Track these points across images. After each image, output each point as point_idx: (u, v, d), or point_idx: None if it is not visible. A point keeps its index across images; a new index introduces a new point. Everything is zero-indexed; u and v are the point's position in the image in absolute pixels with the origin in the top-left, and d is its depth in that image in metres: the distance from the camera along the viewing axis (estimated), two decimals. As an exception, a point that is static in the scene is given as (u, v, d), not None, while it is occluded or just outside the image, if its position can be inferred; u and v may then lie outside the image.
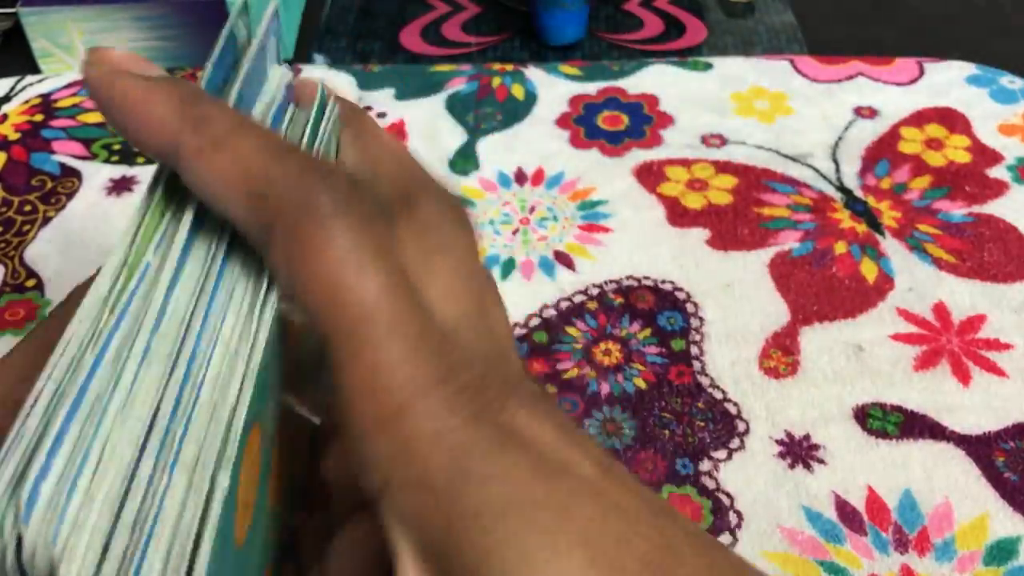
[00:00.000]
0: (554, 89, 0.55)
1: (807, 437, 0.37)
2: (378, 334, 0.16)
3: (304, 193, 0.17)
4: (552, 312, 0.42)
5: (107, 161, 0.51)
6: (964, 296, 0.42)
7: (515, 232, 0.46)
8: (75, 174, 0.50)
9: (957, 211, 0.47)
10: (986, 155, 0.50)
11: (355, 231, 0.17)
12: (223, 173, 0.17)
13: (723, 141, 0.51)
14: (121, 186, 0.49)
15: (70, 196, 0.49)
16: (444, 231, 0.20)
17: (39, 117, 0.54)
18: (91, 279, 0.17)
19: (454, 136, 0.52)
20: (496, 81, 0.56)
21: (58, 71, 0.58)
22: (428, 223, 0.20)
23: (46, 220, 0.47)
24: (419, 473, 0.16)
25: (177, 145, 0.17)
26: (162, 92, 0.18)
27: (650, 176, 0.49)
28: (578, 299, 0.42)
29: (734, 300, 0.42)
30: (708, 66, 0.57)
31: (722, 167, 0.49)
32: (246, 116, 0.19)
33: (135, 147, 0.19)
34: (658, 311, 0.42)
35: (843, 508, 0.34)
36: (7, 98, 0.56)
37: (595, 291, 0.43)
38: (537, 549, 0.15)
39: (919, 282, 0.43)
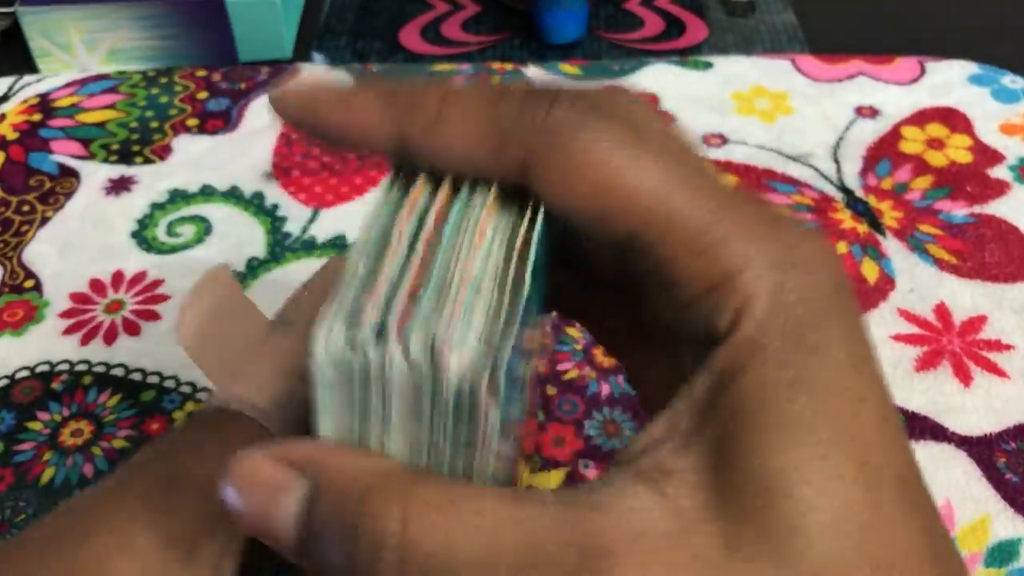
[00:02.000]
0: (554, 88, 0.55)
1: (808, 438, 0.36)
2: (681, 206, 0.17)
3: (539, 119, 0.17)
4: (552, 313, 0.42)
5: (105, 161, 0.51)
6: (965, 297, 0.42)
7: (515, 232, 0.46)
8: (73, 174, 0.50)
9: (958, 211, 0.47)
10: (987, 155, 0.50)
11: (601, 130, 0.17)
12: (458, 137, 0.18)
13: (724, 140, 0.51)
14: (120, 186, 0.49)
15: (68, 196, 0.49)
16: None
17: (37, 117, 0.54)
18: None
19: (454, 136, 0.52)
20: (496, 80, 0.56)
21: (56, 71, 0.58)
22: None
23: (44, 220, 0.47)
24: (758, 329, 0.16)
25: (402, 134, 0.18)
26: (364, 94, 0.19)
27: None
28: (578, 299, 0.42)
29: (734, 300, 0.42)
30: (709, 65, 0.57)
31: (723, 167, 0.49)
32: (448, 85, 0.19)
33: (360, 151, 0.19)
34: (658, 312, 0.42)
35: (844, 510, 0.34)
36: (5, 98, 0.55)
37: (595, 291, 0.43)
38: (813, 444, 0.16)
39: (920, 283, 0.43)
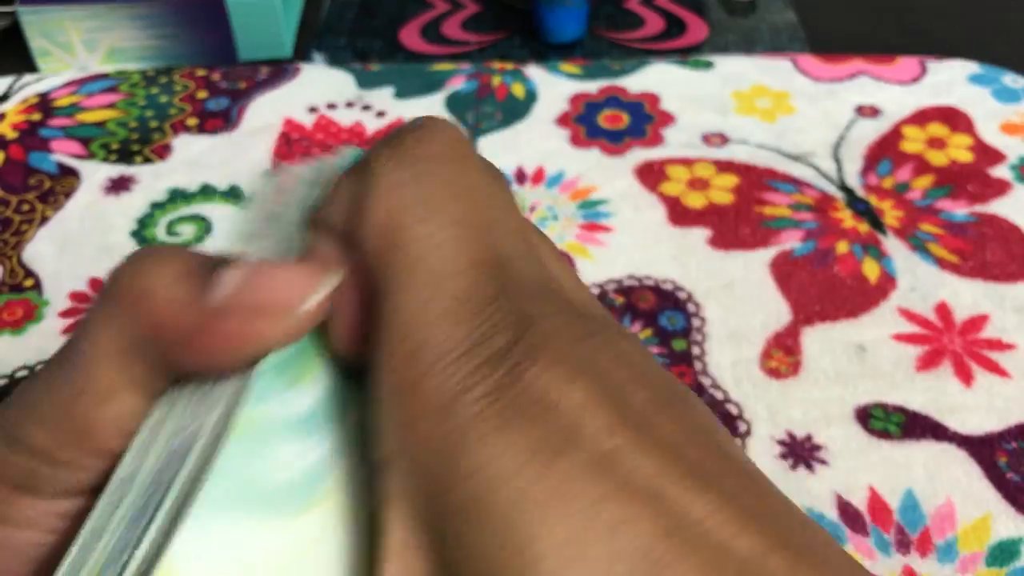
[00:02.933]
0: (554, 88, 0.55)
1: (809, 437, 0.36)
2: (425, 283, 0.16)
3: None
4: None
5: (105, 160, 0.51)
6: (966, 296, 0.42)
7: (515, 231, 0.46)
8: (73, 173, 0.50)
9: (959, 211, 0.47)
10: (988, 154, 0.50)
11: (415, 182, 0.17)
12: None
13: (724, 140, 0.51)
14: (119, 185, 0.49)
15: (68, 195, 0.48)
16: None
17: (37, 116, 0.54)
18: None
19: (454, 135, 0.52)
20: (496, 80, 0.56)
21: (56, 70, 0.58)
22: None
23: (44, 219, 0.47)
24: (422, 455, 0.15)
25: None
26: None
27: (651, 175, 0.49)
28: (578, 299, 0.42)
29: (735, 300, 0.42)
30: (709, 65, 0.57)
31: (724, 166, 0.49)
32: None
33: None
34: (659, 311, 0.42)
35: (845, 509, 0.34)
36: (5, 97, 0.55)
37: (596, 291, 0.43)
38: (528, 541, 0.14)
39: (921, 282, 0.43)
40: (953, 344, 0.40)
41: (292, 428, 0.17)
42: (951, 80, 0.55)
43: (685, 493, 0.14)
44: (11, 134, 0.52)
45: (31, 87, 0.56)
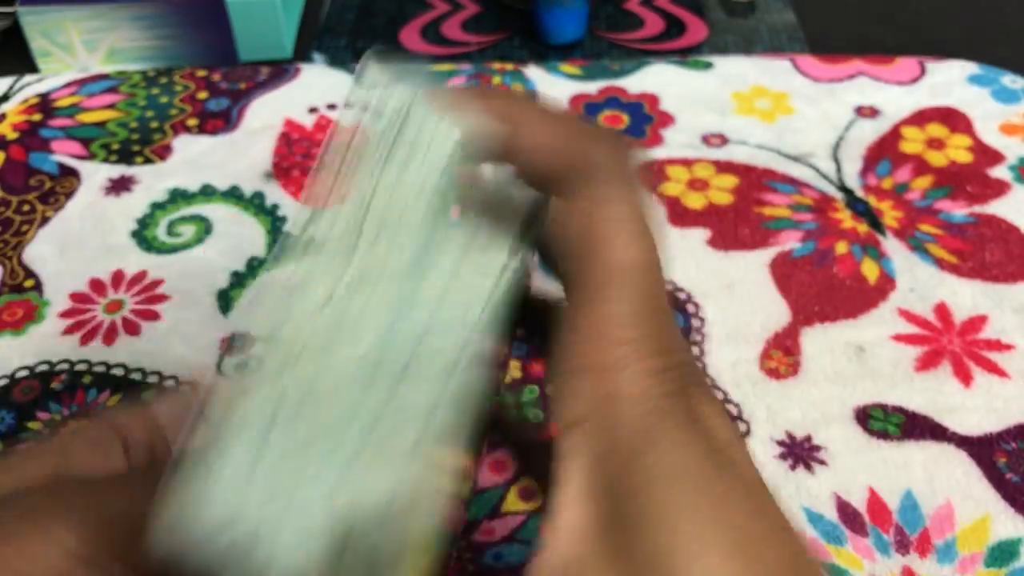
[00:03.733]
0: (554, 89, 0.55)
1: (808, 438, 0.36)
2: (627, 294, 0.19)
3: (592, 157, 0.20)
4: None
5: (105, 161, 0.51)
6: (966, 296, 0.42)
7: (515, 232, 0.46)
8: (74, 174, 0.50)
9: (958, 211, 0.47)
10: (988, 155, 0.50)
11: (625, 198, 0.20)
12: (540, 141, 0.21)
13: (724, 141, 0.51)
14: (120, 186, 0.49)
15: (69, 196, 0.49)
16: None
17: (37, 117, 0.54)
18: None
19: (454, 136, 0.52)
20: (496, 80, 0.56)
21: (56, 70, 0.58)
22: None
23: (45, 220, 0.47)
24: (612, 424, 0.18)
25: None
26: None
27: (650, 176, 0.49)
28: (578, 299, 0.42)
29: (735, 300, 0.42)
30: (709, 65, 0.57)
31: (723, 167, 0.49)
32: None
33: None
34: (658, 311, 0.42)
35: (844, 509, 0.34)
36: (5, 97, 0.55)
37: (595, 291, 0.43)
38: (690, 524, 0.17)
39: (920, 282, 0.43)
40: (952, 345, 0.40)
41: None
42: (950, 81, 0.55)
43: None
44: (12, 134, 0.52)
45: (32, 87, 0.56)
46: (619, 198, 0.20)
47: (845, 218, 0.46)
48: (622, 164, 0.21)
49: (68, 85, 0.56)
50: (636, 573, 0.17)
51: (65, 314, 0.42)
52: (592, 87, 0.55)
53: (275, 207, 0.47)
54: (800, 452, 0.36)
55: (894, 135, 0.51)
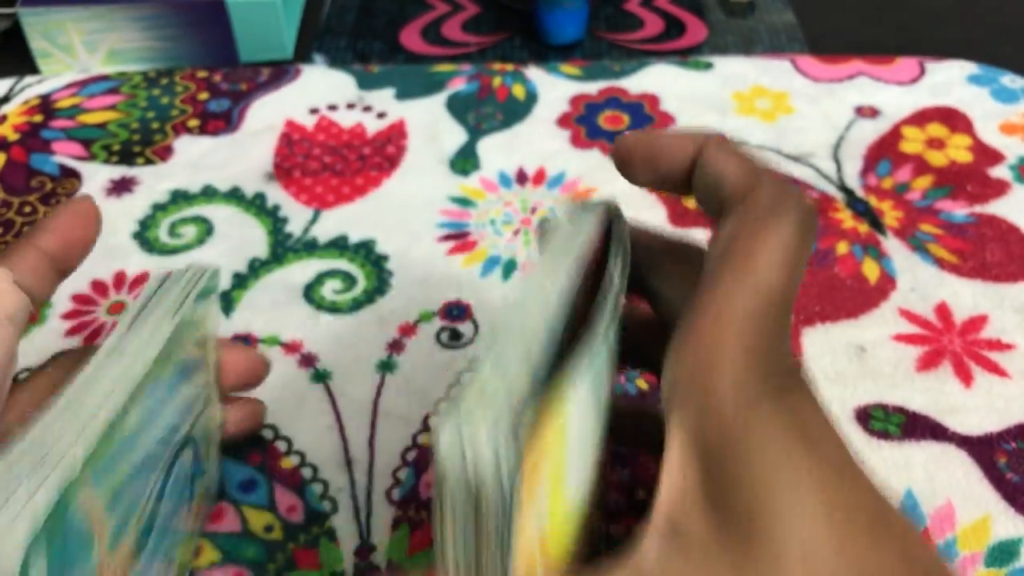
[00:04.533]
0: (555, 89, 0.55)
1: (809, 438, 0.36)
2: (757, 301, 0.22)
3: (771, 189, 0.23)
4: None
5: (107, 162, 0.51)
6: (966, 296, 0.42)
7: (516, 232, 0.46)
8: (75, 175, 0.50)
9: (959, 211, 0.47)
10: (988, 155, 0.50)
11: (790, 233, 0.22)
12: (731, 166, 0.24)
13: (724, 141, 0.51)
14: (121, 187, 0.49)
15: (70, 197, 0.49)
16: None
17: (38, 118, 0.54)
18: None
19: (455, 136, 0.52)
20: (496, 81, 0.56)
21: (57, 71, 0.58)
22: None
23: (46, 221, 0.47)
24: (715, 406, 0.21)
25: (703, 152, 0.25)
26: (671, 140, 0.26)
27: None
28: (579, 300, 0.42)
29: (736, 301, 0.42)
30: (709, 65, 0.57)
31: (723, 167, 0.49)
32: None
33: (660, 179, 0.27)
34: (659, 312, 0.42)
35: (845, 509, 0.34)
36: (6, 99, 0.56)
37: (596, 292, 0.43)
38: (786, 487, 0.20)
39: (921, 282, 0.43)
40: (953, 344, 0.40)
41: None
42: (950, 80, 0.55)
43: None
44: (12, 136, 0.53)
45: (32, 89, 0.56)
46: (784, 231, 0.22)
47: (846, 218, 0.46)
48: (798, 204, 0.23)
49: (69, 86, 0.56)
50: (733, 526, 0.20)
51: (67, 315, 0.42)
52: (592, 87, 0.55)
53: (276, 208, 0.47)
54: (801, 452, 0.36)
55: (894, 135, 0.51)
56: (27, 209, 0.48)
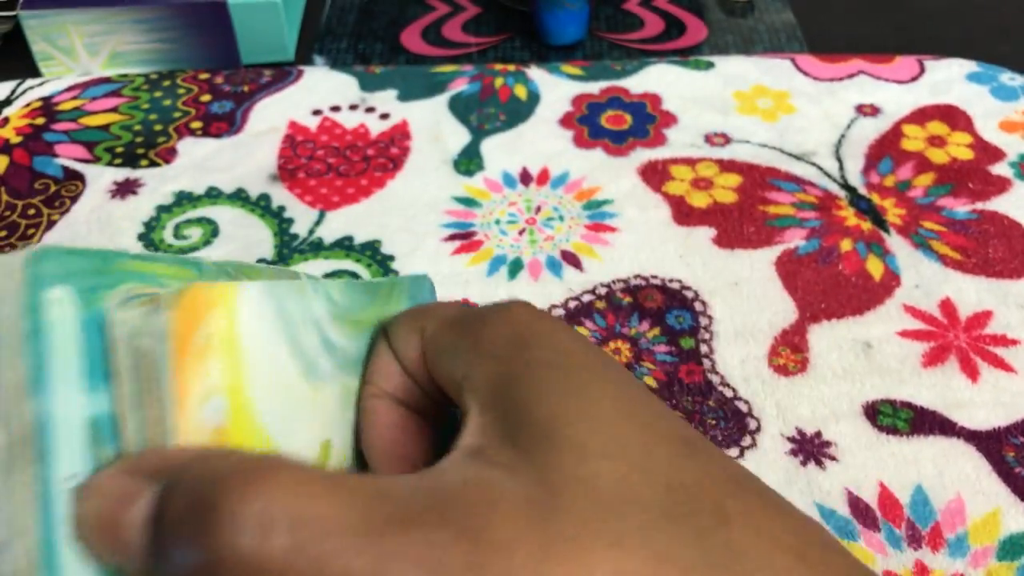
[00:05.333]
0: (557, 89, 0.55)
1: (818, 434, 0.37)
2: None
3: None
4: (561, 312, 0.42)
5: (110, 164, 0.51)
6: (971, 292, 0.43)
7: (521, 232, 0.46)
8: (79, 177, 0.50)
9: (961, 208, 0.47)
10: (988, 152, 0.50)
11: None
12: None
13: (727, 140, 0.51)
14: (125, 189, 0.49)
15: (74, 199, 0.49)
16: None
17: (40, 120, 0.54)
18: None
19: (458, 137, 0.52)
20: (499, 82, 0.56)
21: (58, 74, 0.58)
22: None
23: (51, 224, 0.47)
24: (481, 357, 0.21)
25: None
26: None
27: (655, 175, 0.49)
28: (586, 299, 0.42)
29: (742, 298, 0.42)
30: (710, 65, 0.57)
31: (726, 166, 0.50)
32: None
33: None
34: (667, 310, 0.42)
35: (856, 505, 0.34)
36: (8, 102, 0.55)
37: (603, 290, 0.43)
38: (573, 394, 0.20)
39: (925, 279, 0.43)
40: (958, 340, 0.40)
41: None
42: (949, 79, 0.56)
43: None
44: (15, 138, 0.52)
45: (34, 91, 0.56)
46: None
47: (849, 216, 0.47)
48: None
49: (70, 89, 0.56)
50: (529, 444, 0.18)
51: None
52: (594, 87, 0.55)
53: (281, 209, 0.47)
54: (810, 448, 0.36)
55: (895, 133, 0.52)
56: (31, 212, 0.48)
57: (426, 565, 0.16)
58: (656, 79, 0.56)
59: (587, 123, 0.53)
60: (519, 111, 0.54)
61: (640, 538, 0.17)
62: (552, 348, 0.21)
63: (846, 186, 0.48)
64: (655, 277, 0.43)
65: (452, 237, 0.46)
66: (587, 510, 0.17)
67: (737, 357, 0.40)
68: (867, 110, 0.53)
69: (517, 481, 0.18)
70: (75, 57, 0.58)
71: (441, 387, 0.23)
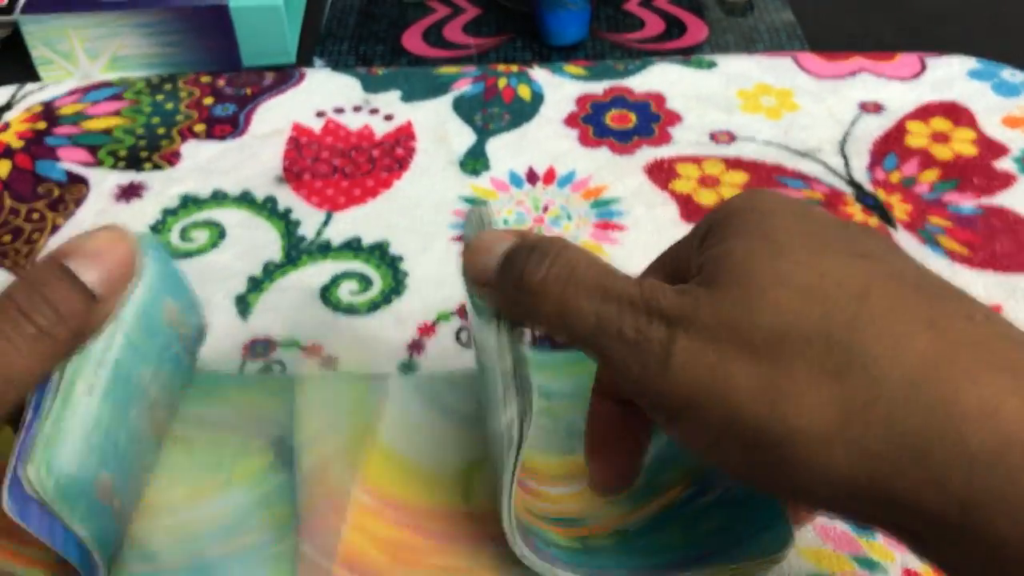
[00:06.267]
0: (560, 89, 0.55)
1: (833, 429, 0.37)
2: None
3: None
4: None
5: (114, 167, 0.51)
6: (978, 287, 0.43)
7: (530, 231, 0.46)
8: (82, 181, 0.50)
9: (967, 203, 0.47)
10: (992, 148, 0.51)
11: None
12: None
13: (732, 138, 0.51)
14: (129, 192, 0.49)
15: (78, 203, 0.48)
16: None
17: (42, 125, 0.53)
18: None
19: (463, 137, 0.52)
20: (502, 82, 0.56)
21: (58, 78, 0.58)
22: None
23: (55, 228, 0.47)
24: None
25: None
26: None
27: (661, 173, 0.49)
28: (597, 297, 0.42)
29: (752, 295, 0.42)
30: (712, 64, 0.57)
31: (733, 163, 0.50)
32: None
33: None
34: (677, 307, 0.42)
35: (873, 499, 0.34)
36: (8, 106, 0.55)
37: (613, 289, 0.43)
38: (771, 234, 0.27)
39: (934, 274, 0.43)
40: (969, 334, 0.40)
41: None
42: (951, 75, 0.56)
43: None
44: (17, 143, 0.52)
45: (34, 96, 0.56)
46: None
47: (856, 212, 0.47)
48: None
49: (71, 93, 0.56)
50: (723, 295, 0.25)
51: (82, 321, 0.42)
52: (598, 87, 0.55)
53: (288, 211, 0.47)
54: (826, 443, 0.36)
55: (899, 130, 0.52)
56: (35, 216, 0.48)
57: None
58: (659, 78, 0.56)
59: (592, 122, 0.53)
60: (523, 111, 0.54)
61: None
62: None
63: (852, 182, 0.49)
64: (665, 275, 0.43)
65: (460, 237, 0.46)
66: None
67: (750, 353, 0.40)
68: (870, 107, 0.53)
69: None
70: (75, 61, 0.57)
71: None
